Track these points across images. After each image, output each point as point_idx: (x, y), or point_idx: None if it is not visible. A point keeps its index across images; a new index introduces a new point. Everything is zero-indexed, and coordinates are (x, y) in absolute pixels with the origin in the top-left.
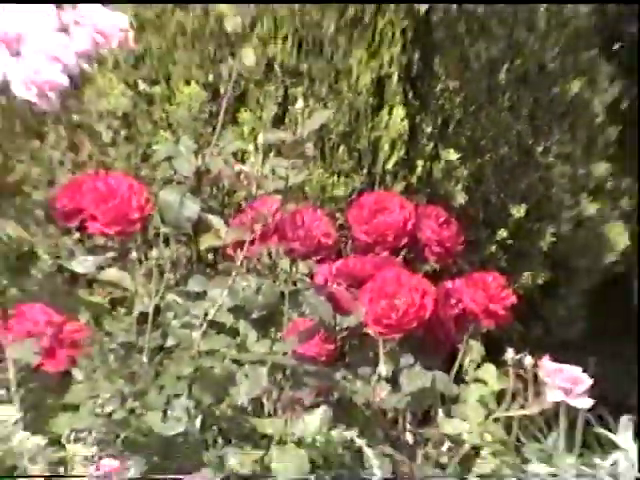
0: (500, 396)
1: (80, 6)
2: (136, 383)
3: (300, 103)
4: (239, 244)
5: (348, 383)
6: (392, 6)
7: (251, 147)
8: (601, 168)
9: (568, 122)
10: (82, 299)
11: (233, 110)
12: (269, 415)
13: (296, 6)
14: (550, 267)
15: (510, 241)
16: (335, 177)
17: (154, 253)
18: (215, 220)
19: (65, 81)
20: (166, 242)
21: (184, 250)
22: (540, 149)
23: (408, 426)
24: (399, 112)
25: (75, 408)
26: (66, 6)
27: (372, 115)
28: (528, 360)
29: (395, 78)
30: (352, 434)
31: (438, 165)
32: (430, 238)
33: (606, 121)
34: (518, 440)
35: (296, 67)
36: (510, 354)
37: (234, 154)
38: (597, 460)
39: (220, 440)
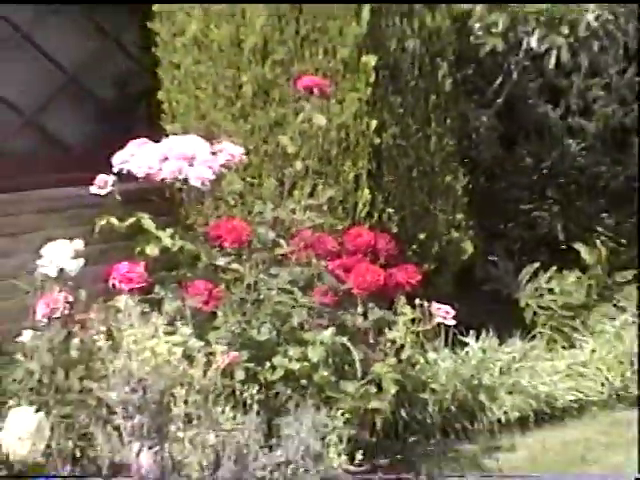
0: (413, 322)
1: (225, 144)
2: (245, 316)
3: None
4: (292, 252)
5: (344, 316)
6: None
7: (297, 207)
8: None
9: None
10: (221, 277)
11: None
12: (308, 330)
13: None
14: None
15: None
16: (337, 220)
17: (253, 256)
18: (282, 241)
19: (212, 177)
20: (258, 250)
21: (267, 254)
22: None
23: (371, 336)
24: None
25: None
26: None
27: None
28: (426, 304)
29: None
30: (345, 340)
31: (383, 213)
32: (382, 248)
33: None
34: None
35: None
36: (418, 301)
37: (291, 210)
38: None
39: (285, 344)
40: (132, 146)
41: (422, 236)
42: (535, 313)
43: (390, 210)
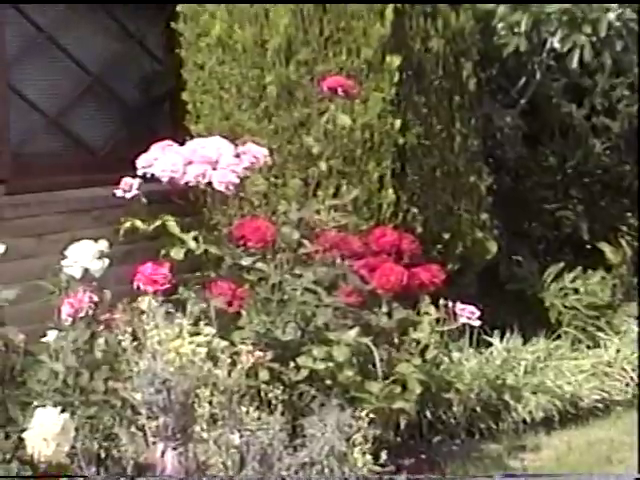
0: (437, 322)
1: (249, 146)
2: (270, 316)
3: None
4: (317, 252)
5: (368, 317)
6: None
7: (322, 207)
8: None
9: None
10: (245, 278)
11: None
12: (332, 330)
13: None
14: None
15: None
16: (361, 220)
17: (278, 256)
18: (305, 241)
19: (236, 181)
20: (283, 250)
21: (291, 255)
22: None
23: (395, 336)
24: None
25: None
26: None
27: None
28: (450, 304)
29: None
30: (368, 340)
31: (407, 213)
32: (406, 248)
33: None
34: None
35: None
36: (442, 301)
37: (316, 210)
38: None
39: (309, 344)
40: (156, 149)
41: (446, 236)
42: (560, 313)
43: (414, 210)
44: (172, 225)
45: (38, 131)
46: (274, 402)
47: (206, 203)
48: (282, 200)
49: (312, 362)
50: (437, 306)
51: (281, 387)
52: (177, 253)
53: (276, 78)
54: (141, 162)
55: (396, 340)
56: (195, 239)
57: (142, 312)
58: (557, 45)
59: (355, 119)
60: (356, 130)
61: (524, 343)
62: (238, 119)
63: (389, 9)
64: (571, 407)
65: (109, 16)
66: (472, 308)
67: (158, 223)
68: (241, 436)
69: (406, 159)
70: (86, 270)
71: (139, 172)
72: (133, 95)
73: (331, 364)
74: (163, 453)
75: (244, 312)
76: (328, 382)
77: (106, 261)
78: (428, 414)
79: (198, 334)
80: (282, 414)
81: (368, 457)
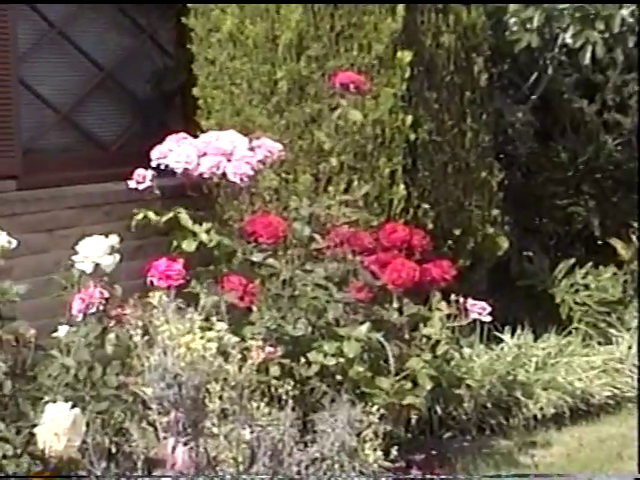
0: (448, 317)
1: (263, 140)
2: (281, 311)
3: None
4: (328, 247)
5: (379, 312)
6: None
7: (333, 203)
8: None
9: None
10: (256, 272)
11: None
12: (343, 326)
13: None
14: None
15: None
16: (372, 216)
17: (289, 251)
18: (317, 236)
19: (251, 173)
20: (294, 246)
21: (302, 250)
22: None
23: (406, 332)
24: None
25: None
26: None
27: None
28: (461, 300)
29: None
30: (379, 336)
31: (418, 209)
32: (417, 244)
33: None
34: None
35: None
36: (453, 297)
37: (327, 206)
38: None
39: (320, 340)
40: (170, 141)
41: (457, 232)
42: (571, 309)
43: (425, 206)
44: (184, 217)
45: (49, 126)
46: (285, 397)
47: (219, 197)
48: (293, 195)
49: (323, 358)
50: (448, 302)
51: (292, 382)
52: (189, 245)
53: (287, 73)
54: (155, 153)
55: (407, 336)
56: (207, 232)
57: (153, 307)
58: (569, 41)
59: (366, 115)
60: (367, 126)
61: (535, 339)
62: (249, 114)
63: (400, 4)
64: (582, 403)
65: (120, 11)
66: (483, 304)
67: (170, 215)
68: (252, 431)
69: (417, 155)
70: (97, 265)
71: (153, 163)
72: (144, 90)
73: (342, 360)
74: (174, 448)
75: (255, 307)
76: (339, 378)
77: (117, 256)
78: (439, 410)
79: (209, 329)
80: (293, 409)
81: (379, 453)
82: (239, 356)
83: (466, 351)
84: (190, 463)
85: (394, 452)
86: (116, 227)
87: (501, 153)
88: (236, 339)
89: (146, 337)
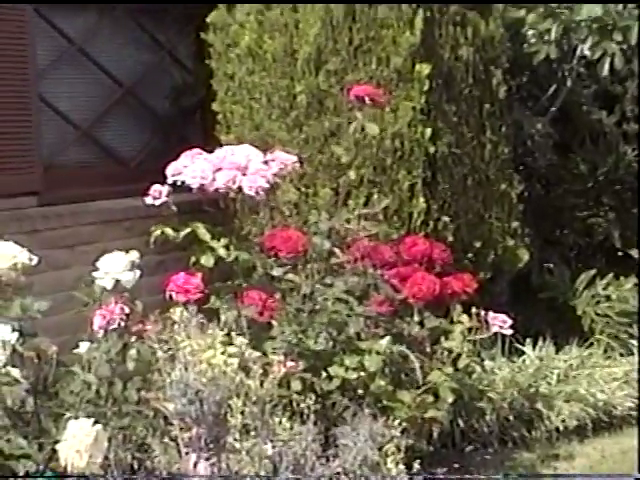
0: (469, 330)
1: (277, 153)
2: (301, 326)
3: None
4: (348, 261)
5: (400, 325)
6: None
7: (352, 216)
8: None
9: None
10: (276, 286)
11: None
12: (364, 340)
13: None
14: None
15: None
16: (392, 229)
17: (309, 266)
18: (336, 250)
19: (266, 186)
20: (314, 260)
21: (322, 264)
22: None
23: (427, 345)
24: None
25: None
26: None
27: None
28: (482, 313)
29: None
30: (403, 348)
31: (438, 222)
32: (437, 257)
33: None
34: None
35: None
36: (474, 310)
37: (346, 220)
38: None
39: (341, 354)
40: (185, 157)
41: (477, 244)
42: (592, 320)
43: (445, 219)
44: (202, 232)
45: (69, 142)
46: (306, 412)
47: (237, 212)
48: (313, 210)
49: (344, 372)
50: (469, 315)
51: (313, 397)
52: (207, 260)
53: (306, 88)
54: (170, 170)
55: (428, 349)
56: (226, 247)
57: (174, 322)
58: (587, 52)
59: (385, 128)
60: (386, 139)
61: (557, 351)
62: (268, 129)
63: (419, 17)
64: (604, 415)
65: (139, 27)
66: (504, 317)
67: (188, 230)
68: (274, 446)
69: (437, 168)
70: (117, 281)
71: (169, 180)
72: (164, 106)
73: (363, 373)
74: (195, 464)
75: (275, 322)
76: (360, 391)
77: (137, 272)
78: (461, 423)
79: (230, 344)
80: (314, 424)
81: (401, 466)
82: (260, 371)
83: (488, 364)
84: (212, 478)
85: (416, 466)
86: (137, 243)
87: (521, 165)
88: (257, 354)
89: (167, 353)
